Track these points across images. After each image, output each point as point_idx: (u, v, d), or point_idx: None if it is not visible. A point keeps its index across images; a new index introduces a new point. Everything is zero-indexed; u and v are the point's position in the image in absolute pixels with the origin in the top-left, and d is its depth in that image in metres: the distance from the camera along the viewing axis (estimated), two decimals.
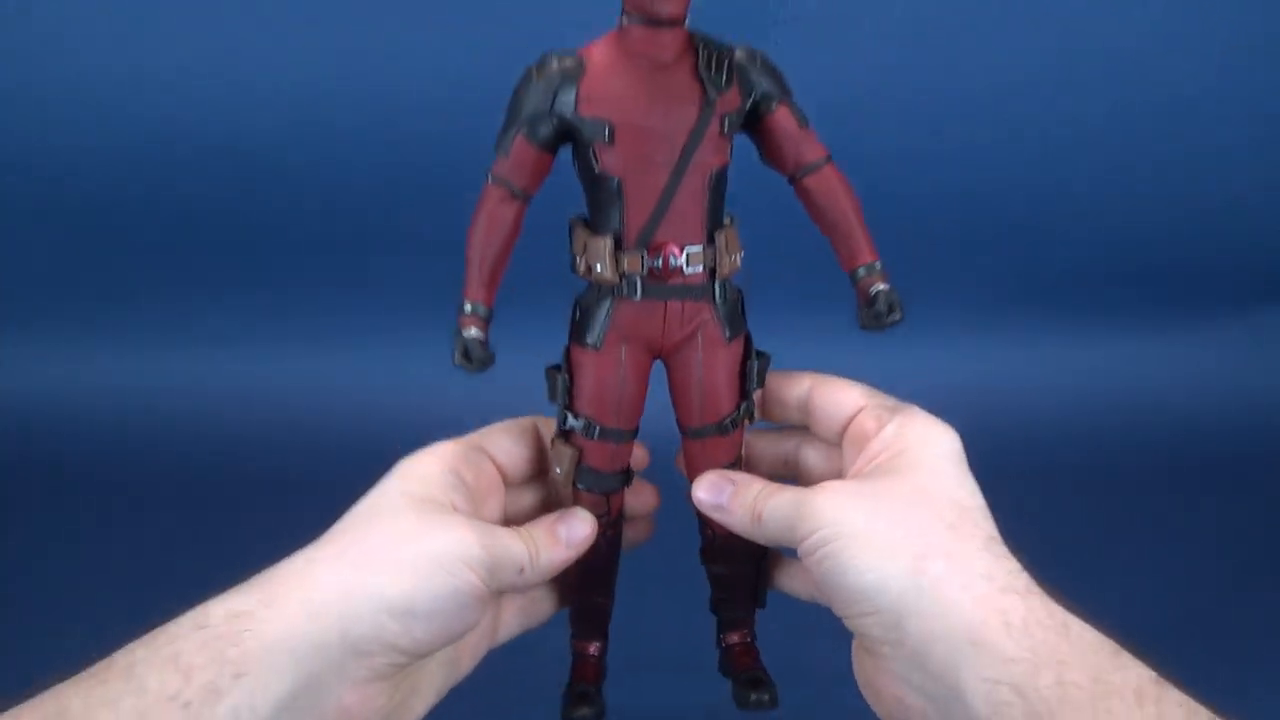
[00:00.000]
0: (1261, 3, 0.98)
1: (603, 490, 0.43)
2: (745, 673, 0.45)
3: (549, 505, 0.45)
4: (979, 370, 1.03)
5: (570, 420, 0.42)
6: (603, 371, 0.41)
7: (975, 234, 1.03)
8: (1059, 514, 0.83)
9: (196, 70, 0.96)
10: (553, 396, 0.42)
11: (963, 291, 1.04)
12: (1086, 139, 1.02)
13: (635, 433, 0.42)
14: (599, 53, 0.38)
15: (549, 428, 0.44)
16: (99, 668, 0.32)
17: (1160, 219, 1.04)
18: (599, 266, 0.39)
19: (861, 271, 0.40)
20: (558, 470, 0.43)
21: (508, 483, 0.43)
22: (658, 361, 0.42)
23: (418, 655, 0.35)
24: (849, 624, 0.36)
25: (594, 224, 0.40)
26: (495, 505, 0.42)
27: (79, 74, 0.96)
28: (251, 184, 0.99)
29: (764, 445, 0.45)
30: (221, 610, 0.33)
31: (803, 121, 0.40)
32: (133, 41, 0.95)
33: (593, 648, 0.47)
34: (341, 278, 1.02)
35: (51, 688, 0.31)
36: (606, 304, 0.40)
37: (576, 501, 0.44)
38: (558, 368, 0.42)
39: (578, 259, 0.40)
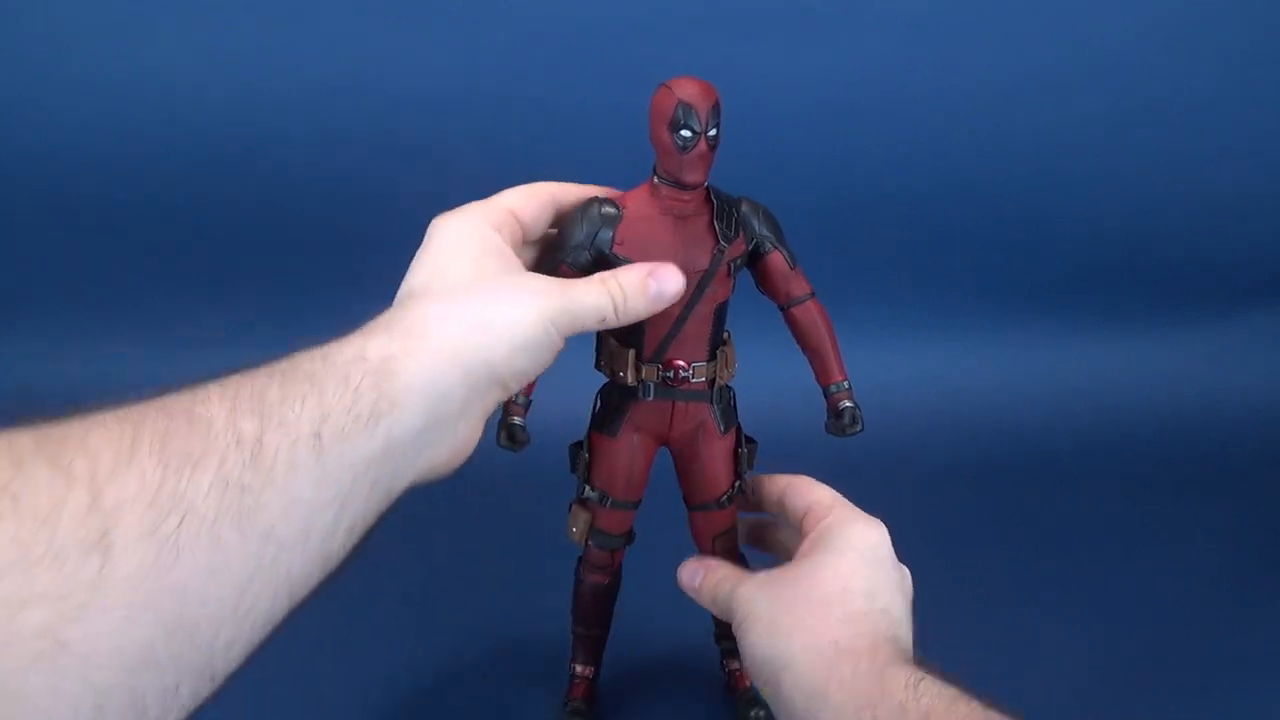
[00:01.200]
0: (1262, 2, 0.98)
1: (609, 548, 0.52)
2: (745, 693, 0.56)
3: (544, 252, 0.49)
4: (978, 370, 1.04)
5: (587, 491, 0.51)
6: (616, 456, 0.50)
7: (975, 234, 1.04)
8: (1058, 513, 0.84)
9: (197, 70, 0.95)
10: (574, 470, 0.51)
11: (962, 291, 1.06)
12: (1086, 138, 1.01)
13: (639, 504, 0.52)
14: (634, 202, 0.46)
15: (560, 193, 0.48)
16: (283, 366, 0.36)
17: (1160, 218, 1.04)
18: (622, 373, 0.48)
19: (833, 388, 0.49)
20: (574, 529, 0.52)
21: (525, 240, 0.47)
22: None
23: (512, 391, 0.42)
24: (761, 693, 0.45)
25: (620, 337, 0.48)
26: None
27: (77, 74, 0.95)
28: (251, 184, 0.99)
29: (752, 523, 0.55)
30: (375, 351, 0.37)
31: (792, 263, 0.48)
32: (131, 42, 0.94)
33: (588, 671, 0.57)
34: (341, 278, 0.99)
35: (244, 370, 0.35)
36: (627, 402, 0.49)
37: (586, 555, 0.53)
38: (580, 445, 0.51)
39: (605, 362, 0.49)
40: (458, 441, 0.40)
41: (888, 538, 0.47)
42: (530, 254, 0.48)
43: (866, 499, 0.85)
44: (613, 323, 0.43)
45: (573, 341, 0.50)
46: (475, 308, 0.40)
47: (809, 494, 0.49)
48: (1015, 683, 0.61)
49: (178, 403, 0.32)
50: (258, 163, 0.98)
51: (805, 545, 0.47)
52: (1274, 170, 1.04)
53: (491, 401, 0.41)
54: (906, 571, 0.48)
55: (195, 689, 0.30)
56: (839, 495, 0.50)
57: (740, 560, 0.54)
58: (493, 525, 0.80)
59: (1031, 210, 1.04)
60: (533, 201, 0.46)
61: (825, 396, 0.49)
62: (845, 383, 0.49)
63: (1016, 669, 0.63)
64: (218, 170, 0.98)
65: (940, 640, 0.65)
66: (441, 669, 0.64)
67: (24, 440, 0.28)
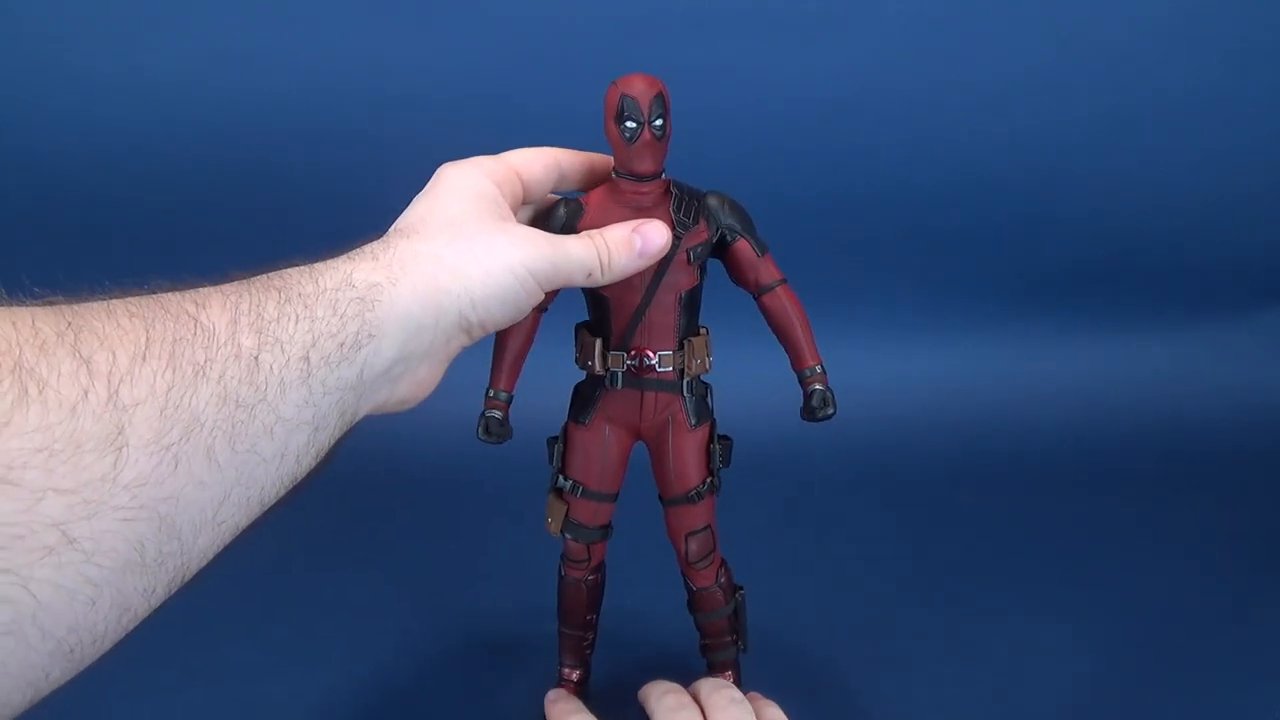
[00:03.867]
0: (1262, 2, 0.98)
1: (585, 541, 0.52)
2: None
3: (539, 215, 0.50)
4: (978, 370, 1.04)
5: (561, 480, 0.51)
6: (588, 444, 0.50)
7: (975, 233, 1.04)
8: (1058, 514, 0.84)
9: (194, 70, 0.96)
10: (551, 460, 0.51)
11: (962, 291, 1.06)
12: (1087, 138, 1.01)
13: (615, 497, 0.51)
14: (596, 198, 0.47)
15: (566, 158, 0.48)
16: (277, 282, 0.36)
17: (1160, 219, 1.04)
18: (590, 361, 0.48)
19: (806, 373, 0.48)
20: (550, 520, 0.52)
21: (526, 200, 0.48)
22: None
23: (476, 339, 0.43)
24: None
25: (591, 328, 0.49)
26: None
27: (76, 74, 0.96)
28: (250, 183, 0.99)
29: None
30: (363, 278, 0.38)
31: (760, 251, 0.48)
32: (130, 42, 0.96)
33: (576, 674, 0.57)
34: None
35: (239, 279, 0.36)
36: (597, 391, 0.49)
37: (564, 548, 0.53)
38: (555, 439, 0.51)
39: (579, 354, 0.49)
40: (418, 380, 0.41)
41: None
42: (527, 214, 0.49)
43: (866, 498, 0.87)
44: (599, 279, 0.44)
45: (563, 341, 0.51)
46: (453, 251, 0.40)
47: None
48: (1015, 683, 0.62)
49: (181, 306, 0.33)
50: (256, 162, 0.99)
51: None
52: (1274, 170, 1.04)
53: (455, 346, 0.42)
54: None
55: (169, 588, 0.31)
56: None
57: (722, 565, 0.54)
58: (486, 524, 0.81)
59: (1032, 210, 1.04)
60: (538, 163, 0.47)
61: (799, 381, 0.49)
62: (818, 367, 0.48)
63: (1017, 669, 0.63)
64: (216, 170, 0.99)
65: (941, 640, 0.66)
66: (431, 667, 0.64)
67: (46, 322, 0.29)
